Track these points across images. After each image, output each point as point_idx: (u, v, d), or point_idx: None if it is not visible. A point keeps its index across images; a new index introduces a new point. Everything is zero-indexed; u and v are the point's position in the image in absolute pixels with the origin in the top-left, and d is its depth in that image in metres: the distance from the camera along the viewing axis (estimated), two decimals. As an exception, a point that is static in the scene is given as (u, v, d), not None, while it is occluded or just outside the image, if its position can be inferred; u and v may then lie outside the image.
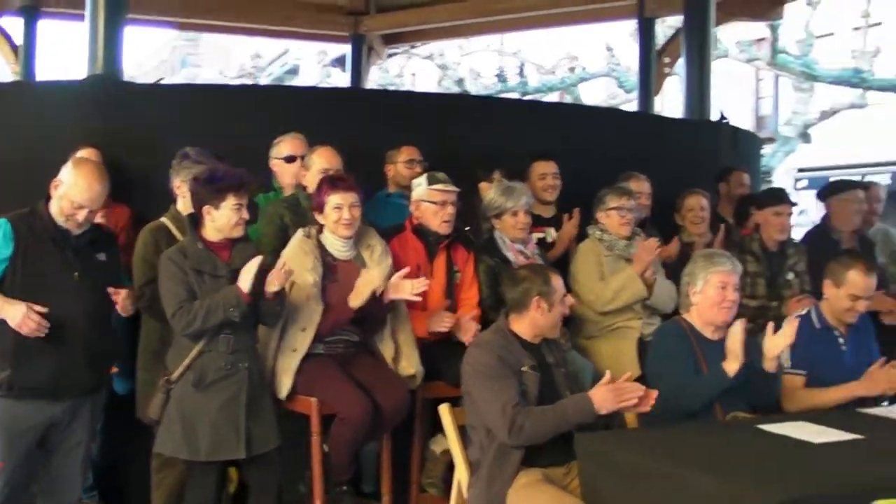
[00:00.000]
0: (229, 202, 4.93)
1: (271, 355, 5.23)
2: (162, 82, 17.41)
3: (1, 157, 6.51)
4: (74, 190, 4.81)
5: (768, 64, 18.23)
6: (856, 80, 17.38)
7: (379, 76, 21.94)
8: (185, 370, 4.89)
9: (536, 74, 25.05)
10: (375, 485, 5.69)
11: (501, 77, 24.88)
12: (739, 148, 9.13)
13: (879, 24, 22.32)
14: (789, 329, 4.98)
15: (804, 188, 23.57)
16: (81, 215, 4.84)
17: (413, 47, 24.51)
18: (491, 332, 4.86)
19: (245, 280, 4.80)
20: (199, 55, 39.99)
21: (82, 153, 5.91)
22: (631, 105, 22.72)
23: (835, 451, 4.16)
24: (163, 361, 5.37)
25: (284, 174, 6.15)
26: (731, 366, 4.88)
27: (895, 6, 22.65)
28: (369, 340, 5.50)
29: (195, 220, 5.03)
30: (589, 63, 24.66)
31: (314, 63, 30.88)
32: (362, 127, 6.81)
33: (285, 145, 6.17)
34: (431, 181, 5.77)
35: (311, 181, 5.74)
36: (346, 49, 15.01)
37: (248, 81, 27.28)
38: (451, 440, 4.84)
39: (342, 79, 27.77)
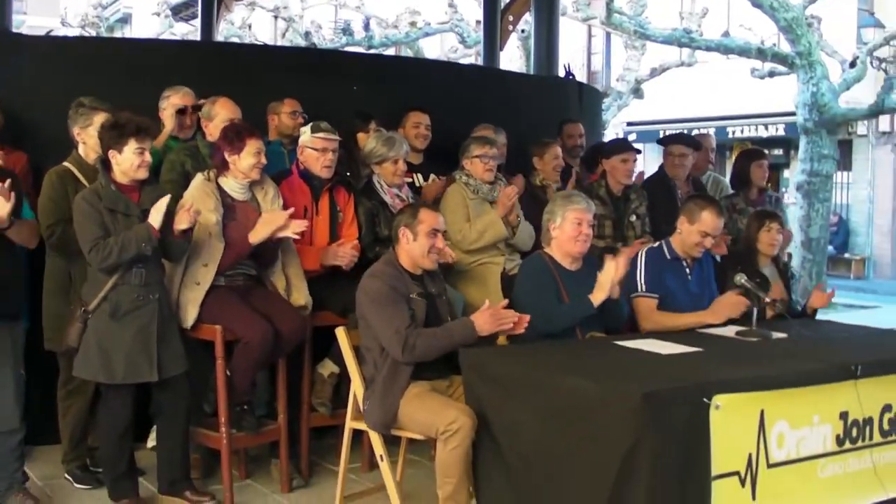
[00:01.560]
0: (131, 146, 5.37)
1: (175, 288, 5.70)
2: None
3: None
4: None
5: (602, 23, 18.98)
6: (685, 39, 18.28)
7: (224, 28, 22.02)
8: (101, 301, 5.32)
9: (378, 28, 25.40)
10: (265, 408, 6.21)
11: (348, 31, 25.16)
12: (584, 102, 9.81)
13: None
14: (621, 261, 5.69)
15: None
16: None
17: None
18: (382, 263, 5.44)
19: (155, 217, 5.27)
20: (24, 2, 38.82)
21: None
22: (471, 59, 23.40)
23: (680, 360, 4.97)
24: (68, 296, 5.87)
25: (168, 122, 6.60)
26: (598, 296, 5.60)
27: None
28: (263, 274, 6.02)
29: (105, 164, 5.45)
30: (431, 18, 25.14)
31: (147, 13, 30.66)
32: (246, 81, 7.26)
33: (176, 98, 6.63)
34: (315, 130, 6.30)
35: (215, 130, 6.22)
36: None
37: (92, 31, 26.96)
38: (348, 359, 5.43)
39: (184, 30, 27.77)
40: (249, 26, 27.50)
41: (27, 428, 5.56)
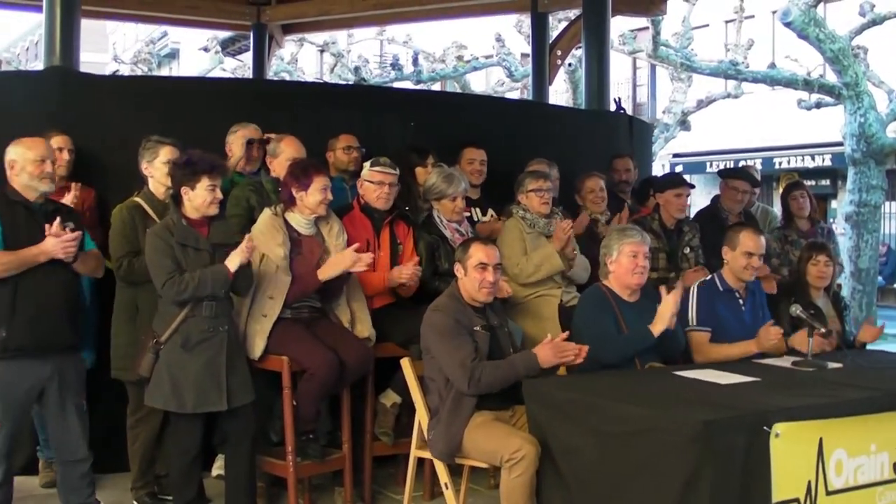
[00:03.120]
0: (204, 183, 5.58)
1: (243, 320, 5.88)
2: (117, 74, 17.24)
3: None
4: (28, 153, 5.37)
5: (649, 56, 19.09)
6: (731, 72, 18.33)
7: (275, 63, 22.28)
8: (173, 333, 5.51)
9: (426, 63, 25.58)
10: (325, 438, 6.31)
11: (396, 66, 25.38)
12: (634, 135, 9.89)
13: (752, 17, 23.46)
14: (673, 297, 5.79)
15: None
16: (48, 166, 5.38)
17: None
18: (446, 296, 5.59)
19: (234, 261, 5.49)
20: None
21: (54, 141, 6.38)
22: (517, 93, 23.54)
23: (739, 389, 5.07)
24: (135, 326, 6.05)
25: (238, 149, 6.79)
26: (658, 327, 5.71)
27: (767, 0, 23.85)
28: (327, 307, 6.17)
29: (176, 200, 5.64)
30: (477, 51, 25.32)
31: (194, 48, 30.95)
32: (305, 118, 7.45)
33: (246, 131, 6.82)
34: (374, 164, 6.47)
35: (279, 167, 6.42)
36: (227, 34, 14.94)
37: (144, 68, 27.36)
38: (413, 389, 5.59)
39: (232, 65, 28.07)
40: (296, 61, 27.77)
41: (95, 455, 5.70)
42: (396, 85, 23.80)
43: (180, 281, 5.43)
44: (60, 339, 5.42)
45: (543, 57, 12.67)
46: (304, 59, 30.26)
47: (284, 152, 6.50)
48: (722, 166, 24.10)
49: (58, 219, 5.26)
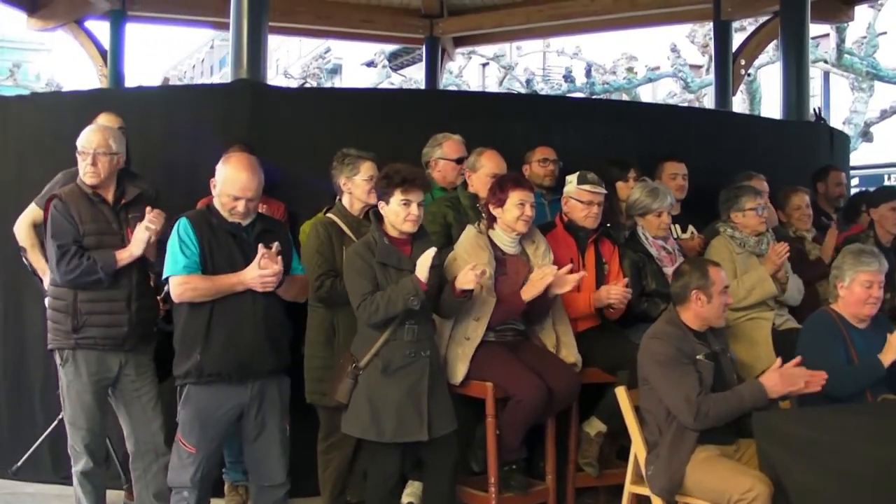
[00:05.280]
0: (396, 198, 5.28)
1: (444, 344, 5.59)
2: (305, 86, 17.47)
3: (161, 159, 6.88)
4: (227, 184, 5.10)
5: (832, 65, 18.40)
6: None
7: (444, 76, 22.22)
8: (373, 357, 5.24)
9: (596, 75, 25.26)
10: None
11: (569, 78, 25.10)
12: (835, 147, 9.42)
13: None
14: None
15: (856, 186, 23.74)
16: (241, 206, 5.10)
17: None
18: (665, 322, 5.22)
19: (422, 270, 5.12)
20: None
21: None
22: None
23: None
24: (332, 348, 5.79)
25: (449, 174, 6.55)
26: (888, 357, 5.28)
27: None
28: (531, 330, 5.85)
29: (379, 217, 5.39)
30: (649, 63, 24.88)
31: (356, 63, 31.22)
32: (503, 128, 7.19)
33: (453, 147, 6.59)
34: (581, 181, 6.11)
35: (478, 182, 6.16)
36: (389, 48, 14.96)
37: (314, 83, 27.59)
38: (629, 420, 5.22)
39: (397, 80, 28.15)
40: (461, 75, 27.73)
41: (285, 480, 5.50)
42: (569, 98, 23.50)
43: (371, 301, 5.17)
44: (260, 364, 5.17)
45: (727, 66, 12.33)
46: (467, 72, 30.19)
47: (484, 167, 6.24)
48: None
49: (261, 252, 5.01)
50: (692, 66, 24.29)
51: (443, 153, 6.60)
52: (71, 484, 5.77)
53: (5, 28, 43.51)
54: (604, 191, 6.17)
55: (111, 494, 6.08)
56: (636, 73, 24.66)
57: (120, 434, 5.82)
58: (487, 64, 31.07)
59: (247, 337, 5.10)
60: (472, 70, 32.82)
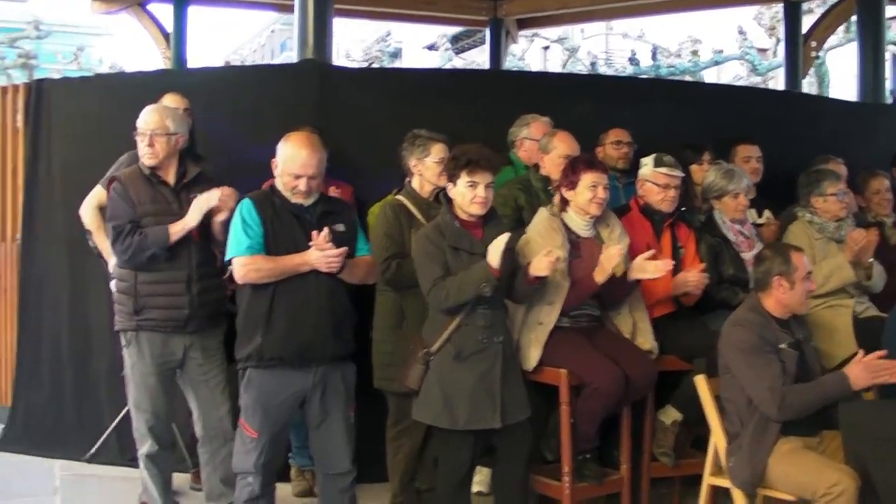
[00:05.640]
0: (463, 179, 5.14)
1: (517, 329, 5.45)
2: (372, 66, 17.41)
3: (225, 141, 6.78)
4: (288, 163, 4.98)
5: (902, 45, 18.06)
6: None
7: (507, 59, 22.08)
8: (445, 343, 5.11)
9: (661, 57, 24.97)
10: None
11: (634, 61, 24.85)
12: (913, 130, 9.15)
13: None
14: None
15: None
16: (302, 184, 4.97)
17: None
18: (747, 309, 5.05)
19: (494, 256, 4.98)
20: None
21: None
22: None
23: None
24: (400, 333, 5.68)
25: (535, 154, 6.40)
26: None
27: None
28: (605, 315, 5.71)
29: (449, 199, 5.26)
30: (713, 46, 24.57)
31: (416, 47, 31.12)
32: (571, 109, 7.00)
33: (540, 128, 6.48)
34: (658, 163, 5.95)
35: (550, 164, 6.01)
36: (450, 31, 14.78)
37: (377, 65, 27.53)
38: (709, 411, 5.07)
39: (461, 63, 28.00)
40: (523, 58, 27.56)
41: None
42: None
43: (442, 286, 5.03)
44: (323, 350, 5.05)
45: (797, 48, 11.95)
46: (529, 56, 30.00)
47: (557, 148, 6.08)
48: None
49: (325, 231, 4.90)
50: (759, 50, 23.95)
51: (529, 133, 6.51)
52: (137, 466, 5.73)
53: (68, 13, 43.86)
54: (681, 173, 6.01)
55: (177, 477, 6.04)
56: (699, 56, 24.31)
57: (185, 417, 5.75)
58: (549, 47, 30.82)
59: (309, 321, 4.98)
60: (534, 54, 32.62)
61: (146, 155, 5.40)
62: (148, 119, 5.42)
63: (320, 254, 4.88)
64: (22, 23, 29.99)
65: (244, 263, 4.94)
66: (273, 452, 5.15)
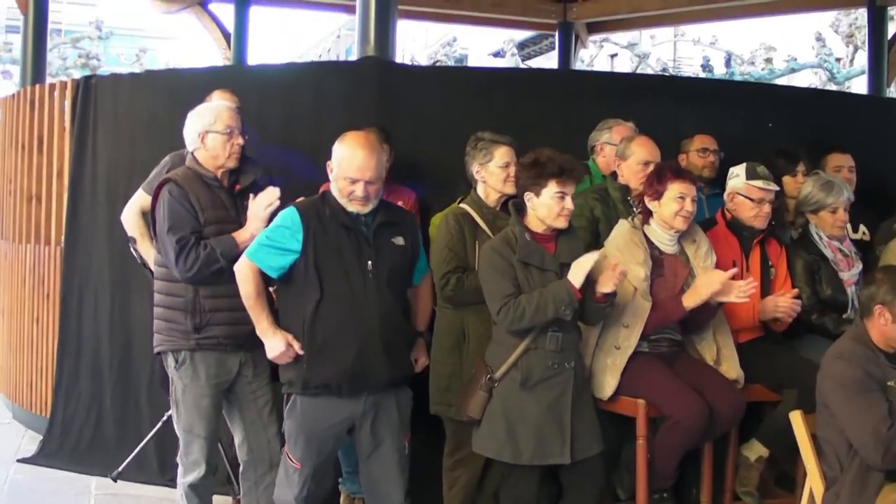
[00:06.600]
0: (551, 189, 4.69)
1: (590, 353, 5.01)
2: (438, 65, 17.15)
3: (281, 142, 6.39)
4: (343, 165, 4.51)
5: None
6: None
7: (575, 65, 21.77)
8: (510, 368, 4.68)
9: (734, 65, 24.49)
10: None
11: (707, 67, 24.35)
12: None
13: None
14: None
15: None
16: (359, 189, 4.48)
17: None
18: (850, 339, 4.53)
19: (577, 275, 4.56)
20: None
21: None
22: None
23: None
24: (461, 354, 5.25)
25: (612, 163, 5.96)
26: None
27: None
28: (687, 340, 5.24)
29: (520, 209, 4.80)
30: (788, 54, 23.99)
31: (482, 54, 30.84)
32: (648, 112, 6.48)
33: (621, 133, 6.02)
34: (751, 175, 5.47)
35: (628, 171, 5.57)
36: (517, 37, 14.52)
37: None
38: (805, 451, 4.54)
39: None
40: (583, 62, 27.19)
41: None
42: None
43: (516, 305, 4.57)
44: (375, 376, 4.56)
45: (881, 54, 11.51)
46: (598, 63, 29.60)
47: (635, 154, 5.61)
48: None
49: None
50: (838, 60, 23.38)
51: (609, 138, 6.05)
52: (175, 487, 5.27)
53: (133, 17, 44.10)
54: (776, 187, 5.54)
55: (216, 500, 5.60)
56: (773, 64, 23.75)
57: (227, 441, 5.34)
58: (616, 55, 30.37)
59: (359, 345, 4.49)
60: (602, 61, 32.19)
61: (233, 156, 4.93)
62: (224, 116, 4.95)
63: (282, 350, 4.55)
64: (84, 24, 30.09)
65: (246, 266, 4.57)
66: (316, 484, 4.69)
